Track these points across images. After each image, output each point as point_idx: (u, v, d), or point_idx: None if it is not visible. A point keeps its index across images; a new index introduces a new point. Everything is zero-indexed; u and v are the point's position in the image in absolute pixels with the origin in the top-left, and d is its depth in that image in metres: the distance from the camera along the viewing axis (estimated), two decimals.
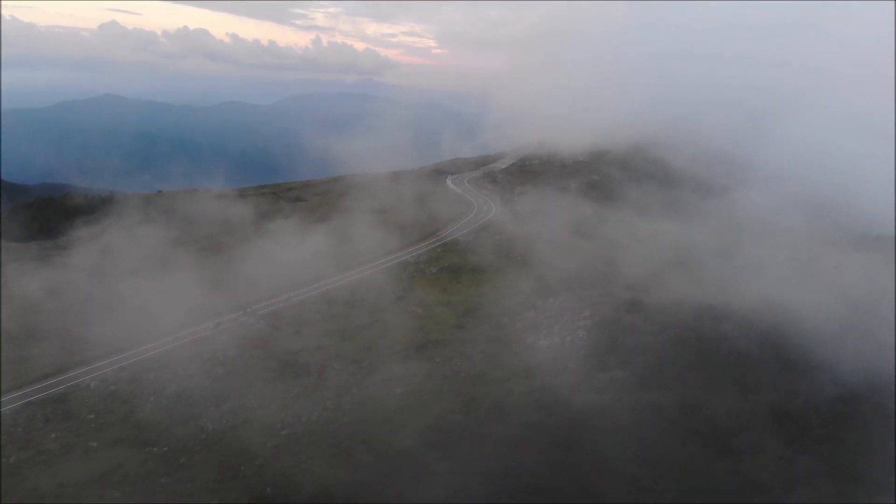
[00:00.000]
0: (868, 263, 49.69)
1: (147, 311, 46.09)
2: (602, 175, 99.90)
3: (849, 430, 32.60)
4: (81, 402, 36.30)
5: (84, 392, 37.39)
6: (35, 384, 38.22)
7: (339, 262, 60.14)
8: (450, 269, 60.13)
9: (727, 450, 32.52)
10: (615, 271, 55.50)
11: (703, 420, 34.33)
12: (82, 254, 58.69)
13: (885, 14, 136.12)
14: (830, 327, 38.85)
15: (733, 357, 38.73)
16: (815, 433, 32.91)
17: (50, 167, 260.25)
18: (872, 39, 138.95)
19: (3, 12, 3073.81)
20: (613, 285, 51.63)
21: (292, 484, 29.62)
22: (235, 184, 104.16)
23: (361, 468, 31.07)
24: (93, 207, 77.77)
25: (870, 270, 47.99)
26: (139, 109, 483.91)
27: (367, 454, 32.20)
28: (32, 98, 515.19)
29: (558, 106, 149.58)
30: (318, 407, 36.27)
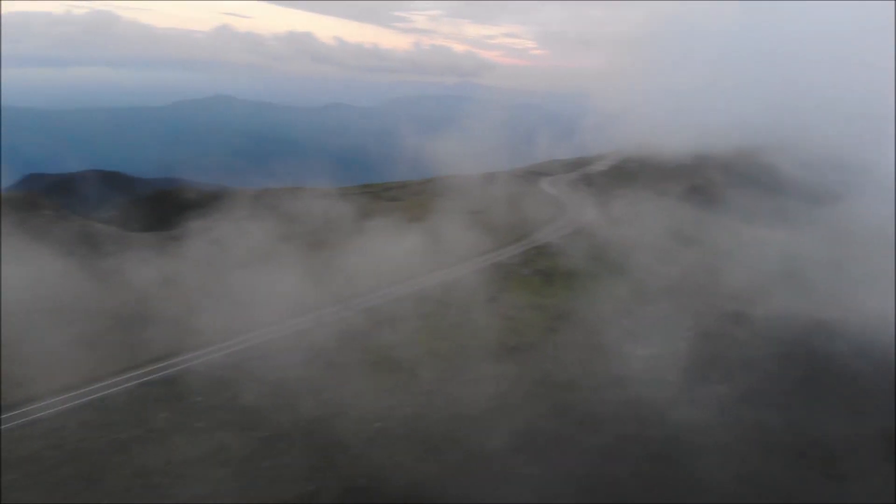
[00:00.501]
0: None
1: (253, 302, 48.17)
2: (705, 179, 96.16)
3: None
4: (190, 385, 38.31)
5: (192, 376, 39.47)
6: (148, 366, 40.53)
7: (433, 260, 60.79)
8: (543, 272, 59.63)
9: (834, 474, 30.71)
10: (719, 281, 53.37)
11: (810, 441, 32.53)
12: (194, 245, 62.00)
13: None
14: None
15: (845, 377, 36.54)
16: None
17: (167, 162, 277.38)
18: None
19: (122, 14, 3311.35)
20: (717, 295, 49.70)
21: (384, 476, 30.27)
22: (337, 183, 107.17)
23: (450, 466, 31.38)
24: (205, 201, 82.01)
25: None
26: (249, 110, 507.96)
27: (457, 452, 32.47)
28: (151, 97, 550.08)
29: (660, 107, 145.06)
30: (411, 402, 36.90)
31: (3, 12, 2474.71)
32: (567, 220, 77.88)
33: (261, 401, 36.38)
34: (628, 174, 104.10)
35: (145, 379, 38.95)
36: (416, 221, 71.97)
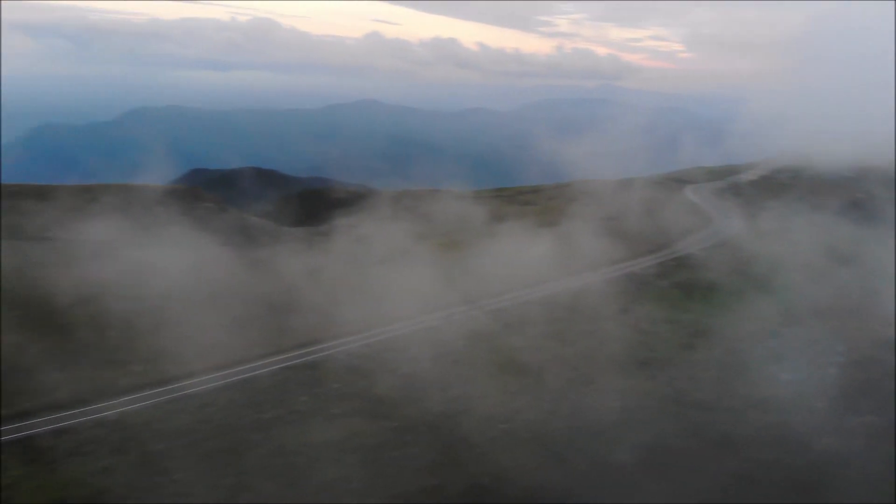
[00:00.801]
0: None
1: (389, 297, 50.27)
2: (867, 193, 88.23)
3: None
4: (329, 372, 40.60)
5: (332, 363, 41.82)
6: (292, 351, 43.23)
7: (564, 266, 60.32)
8: (681, 285, 57.51)
9: None
10: (877, 304, 48.98)
11: None
12: (339, 241, 65.64)
13: None
14: None
15: None
16: None
17: (317, 162, 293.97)
18: None
19: (282, 21, 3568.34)
20: (874, 319, 45.71)
21: (507, 477, 30.62)
22: (473, 186, 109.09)
23: (574, 474, 31.19)
24: (350, 200, 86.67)
25: None
26: (393, 114, 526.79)
27: (581, 462, 32.21)
28: (305, 100, 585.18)
29: (818, 114, 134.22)
30: (536, 407, 36.99)
31: (172, 17, 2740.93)
32: (710, 231, 74.43)
33: (392, 392, 37.92)
34: (780, 185, 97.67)
35: (289, 363, 41.60)
36: (549, 226, 71.69)
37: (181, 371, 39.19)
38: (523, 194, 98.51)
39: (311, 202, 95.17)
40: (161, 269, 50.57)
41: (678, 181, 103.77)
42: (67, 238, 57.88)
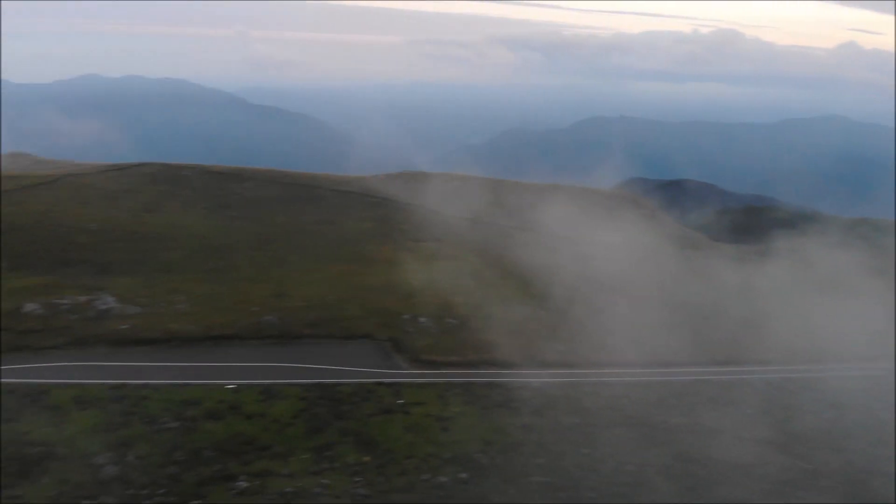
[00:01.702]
0: None
1: (827, 332, 46.07)
2: None
3: None
4: (744, 395, 39.28)
5: (748, 387, 40.41)
6: (708, 366, 43.08)
7: None
8: None
9: None
10: None
11: None
12: (776, 263, 61.98)
13: None
14: None
15: None
16: None
17: (761, 179, 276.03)
18: None
19: (746, 32, 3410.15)
20: None
21: None
22: None
23: None
24: (794, 222, 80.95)
25: None
26: (860, 132, 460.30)
27: None
28: (758, 113, 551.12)
29: None
30: None
31: (635, 31, 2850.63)
32: None
33: (813, 434, 35.09)
34: None
35: (703, 377, 41.56)
36: None
37: (600, 359, 42.29)
38: None
39: (749, 219, 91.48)
40: (600, 262, 55.22)
41: None
42: (532, 224, 67.50)
